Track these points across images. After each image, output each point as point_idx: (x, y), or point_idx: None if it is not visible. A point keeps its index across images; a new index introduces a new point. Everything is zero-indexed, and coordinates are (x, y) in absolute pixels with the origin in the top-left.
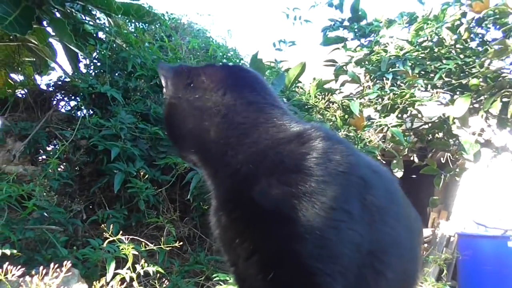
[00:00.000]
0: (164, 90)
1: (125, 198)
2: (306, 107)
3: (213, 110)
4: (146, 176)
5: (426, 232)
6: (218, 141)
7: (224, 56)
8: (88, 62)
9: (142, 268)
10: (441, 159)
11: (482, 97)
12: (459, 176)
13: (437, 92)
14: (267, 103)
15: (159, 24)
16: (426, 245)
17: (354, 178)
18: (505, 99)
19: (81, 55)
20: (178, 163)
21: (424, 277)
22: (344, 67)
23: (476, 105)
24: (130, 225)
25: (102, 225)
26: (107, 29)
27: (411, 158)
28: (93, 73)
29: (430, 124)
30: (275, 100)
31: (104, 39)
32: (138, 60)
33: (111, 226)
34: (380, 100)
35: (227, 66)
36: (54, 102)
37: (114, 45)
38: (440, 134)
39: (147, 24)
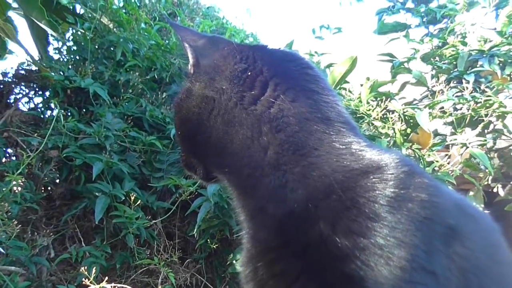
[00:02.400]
0: (191, 70)
1: (108, 230)
2: (356, 115)
3: (279, 122)
4: (138, 202)
5: None
6: (277, 167)
7: (242, 43)
8: (61, 46)
9: None
10: None
11: None
12: None
13: None
14: (340, 119)
15: None
16: None
17: (440, 227)
18: None
19: (52, 36)
20: (181, 186)
21: None
22: (406, 63)
23: None
24: (114, 267)
25: (76, 266)
26: (90, 3)
27: (493, 189)
28: (68, 61)
29: None
30: (345, 113)
31: (85, 16)
32: (130, 45)
33: (87, 268)
34: (455, 110)
35: (290, 54)
36: (13, 98)
37: (99, 25)
38: None
39: None
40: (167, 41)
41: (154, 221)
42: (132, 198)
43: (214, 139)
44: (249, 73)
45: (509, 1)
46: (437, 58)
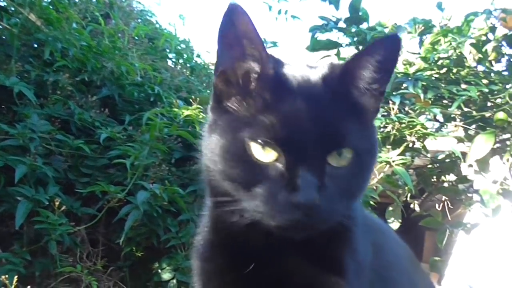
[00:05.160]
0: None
1: (29, 236)
2: None
3: None
4: (62, 208)
5: None
6: None
7: (174, 49)
8: None
9: None
10: (436, 205)
11: (508, 136)
12: (469, 232)
13: (455, 126)
14: None
15: None
16: None
17: None
18: None
19: None
20: (109, 192)
21: None
22: None
23: (499, 145)
24: (33, 275)
25: None
26: None
27: (410, 205)
28: None
29: (437, 164)
30: None
31: (11, 11)
32: (59, 45)
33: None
34: (381, 128)
35: None
36: None
37: (26, 21)
38: (448, 177)
39: None
40: (99, 43)
41: (78, 228)
42: (57, 203)
43: None
44: None
45: (432, 30)
46: None
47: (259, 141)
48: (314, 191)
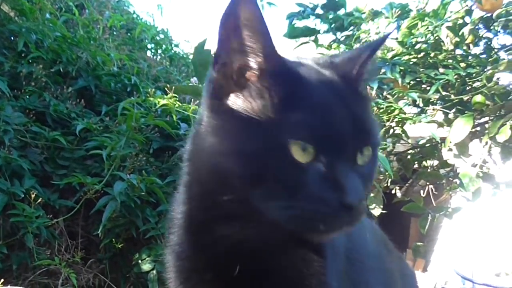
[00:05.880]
0: None
1: (5, 229)
2: None
3: None
4: (39, 200)
5: None
6: None
7: (152, 39)
8: None
9: None
10: (421, 191)
11: (486, 119)
12: (451, 217)
13: (434, 109)
14: None
15: None
16: None
17: None
18: None
19: None
20: (86, 184)
21: None
22: None
23: (478, 128)
24: (10, 268)
25: None
26: None
27: (392, 191)
28: None
29: (418, 149)
30: None
31: None
32: (33, 36)
33: None
34: None
35: None
36: None
37: None
38: (430, 162)
39: None
40: (74, 34)
41: (55, 220)
42: (33, 196)
43: None
44: None
45: (409, 14)
46: None
47: (300, 141)
48: (360, 190)
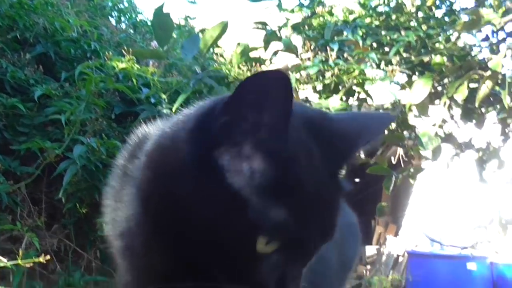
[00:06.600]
0: None
1: None
2: (226, 80)
3: None
4: None
5: (370, 250)
6: None
7: (115, 7)
8: None
9: None
10: (392, 158)
11: (446, 80)
12: (414, 178)
13: (392, 70)
14: None
15: None
16: (369, 266)
17: None
18: (472, 85)
19: None
20: (46, 150)
21: None
22: (278, 32)
23: (439, 89)
24: None
25: None
26: None
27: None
28: None
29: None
30: None
31: None
32: None
33: None
34: (321, 77)
35: None
36: None
37: None
38: (394, 125)
39: None
40: (31, 0)
41: (17, 185)
42: None
43: None
44: None
45: None
46: (306, 27)
47: (269, 238)
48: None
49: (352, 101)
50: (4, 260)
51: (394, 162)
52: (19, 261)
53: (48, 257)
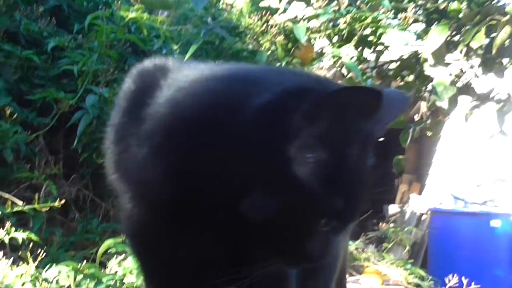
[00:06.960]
0: None
1: None
2: (237, 30)
3: None
4: (15, 116)
5: (393, 209)
6: None
7: None
8: None
9: (8, 233)
10: (415, 116)
11: (463, 29)
12: (433, 131)
13: (406, 17)
14: None
15: None
16: (392, 224)
17: None
18: (493, 34)
19: None
20: (60, 100)
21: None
22: None
23: (456, 39)
24: None
25: None
26: None
27: None
28: None
29: (398, 63)
30: None
31: None
32: None
33: None
34: (334, 25)
35: None
36: None
37: None
38: (412, 77)
39: None
40: None
41: (34, 134)
42: (9, 112)
43: None
44: None
45: None
46: None
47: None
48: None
49: (369, 53)
50: (20, 202)
51: (417, 118)
52: (36, 206)
53: (63, 201)
